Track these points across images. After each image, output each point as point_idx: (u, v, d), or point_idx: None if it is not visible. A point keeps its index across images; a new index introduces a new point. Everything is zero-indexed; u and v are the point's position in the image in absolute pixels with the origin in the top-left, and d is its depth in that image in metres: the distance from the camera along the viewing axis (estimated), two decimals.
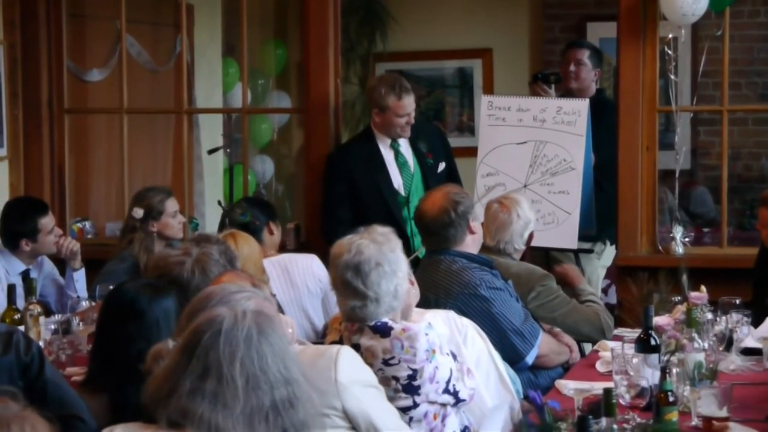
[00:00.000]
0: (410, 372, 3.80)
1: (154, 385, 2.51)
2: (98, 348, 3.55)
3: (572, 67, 6.87)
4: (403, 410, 3.79)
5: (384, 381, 3.79)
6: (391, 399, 3.75)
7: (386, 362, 3.82)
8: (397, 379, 3.81)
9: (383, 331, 3.85)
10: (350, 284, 3.87)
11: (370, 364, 3.79)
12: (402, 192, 6.33)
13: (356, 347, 3.84)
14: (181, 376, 2.45)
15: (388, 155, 6.37)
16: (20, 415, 2.15)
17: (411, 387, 3.81)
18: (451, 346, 4.08)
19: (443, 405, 3.88)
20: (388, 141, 6.36)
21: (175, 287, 3.67)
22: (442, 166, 6.41)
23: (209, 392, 2.43)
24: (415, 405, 3.82)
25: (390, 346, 3.82)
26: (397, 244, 3.98)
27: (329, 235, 6.32)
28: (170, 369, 2.49)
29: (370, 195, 6.29)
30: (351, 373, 3.48)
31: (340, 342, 3.90)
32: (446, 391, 3.86)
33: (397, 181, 6.34)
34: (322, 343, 4.66)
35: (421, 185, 6.33)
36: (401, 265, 3.95)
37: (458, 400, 3.90)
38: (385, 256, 3.90)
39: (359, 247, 3.90)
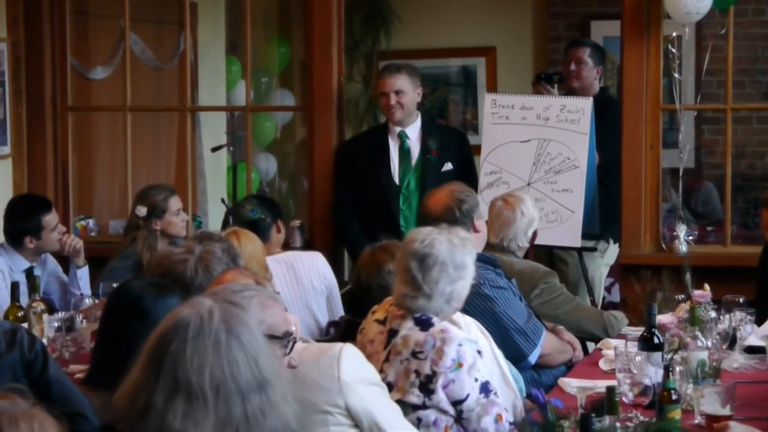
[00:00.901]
0: (430, 372, 3.80)
1: (127, 401, 2.36)
2: (101, 345, 3.55)
3: (573, 66, 6.86)
4: (413, 407, 3.79)
5: (405, 372, 3.81)
6: (405, 392, 3.77)
7: (414, 354, 3.83)
8: (418, 373, 3.81)
9: (424, 324, 3.86)
10: (410, 272, 3.88)
11: (399, 352, 3.81)
12: (396, 180, 6.35)
13: (394, 333, 3.85)
14: (152, 391, 2.32)
15: (393, 144, 6.42)
16: (29, 412, 2.15)
17: (426, 387, 3.81)
18: None
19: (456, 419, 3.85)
20: (397, 130, 6.41)
21: (178, 286, 3.67)
22: (447, 166, 6.40)
23: (180, 410, 2.29)
24: (425, 406, 3.81)
25: (423, 340, 3.83)
26: (471, 252, 3.96)
27: (334, 214, 6.57)
28: (141, 383, 2.35)
29: (370, 179, 6.39)
30: (354, 371, 3.48)
31: (385, 322, 3.91)
32: (453, 406, 3.82)
33: (395, 168, 6.37)
34: (326, 340, 4.68)
35: (417, 179, 6.35)
36: (467, 273, 3.93)
37: (459, 422, 3.83)
38: (454, 259, 3.89)
39: (432, 241, 3.89)
